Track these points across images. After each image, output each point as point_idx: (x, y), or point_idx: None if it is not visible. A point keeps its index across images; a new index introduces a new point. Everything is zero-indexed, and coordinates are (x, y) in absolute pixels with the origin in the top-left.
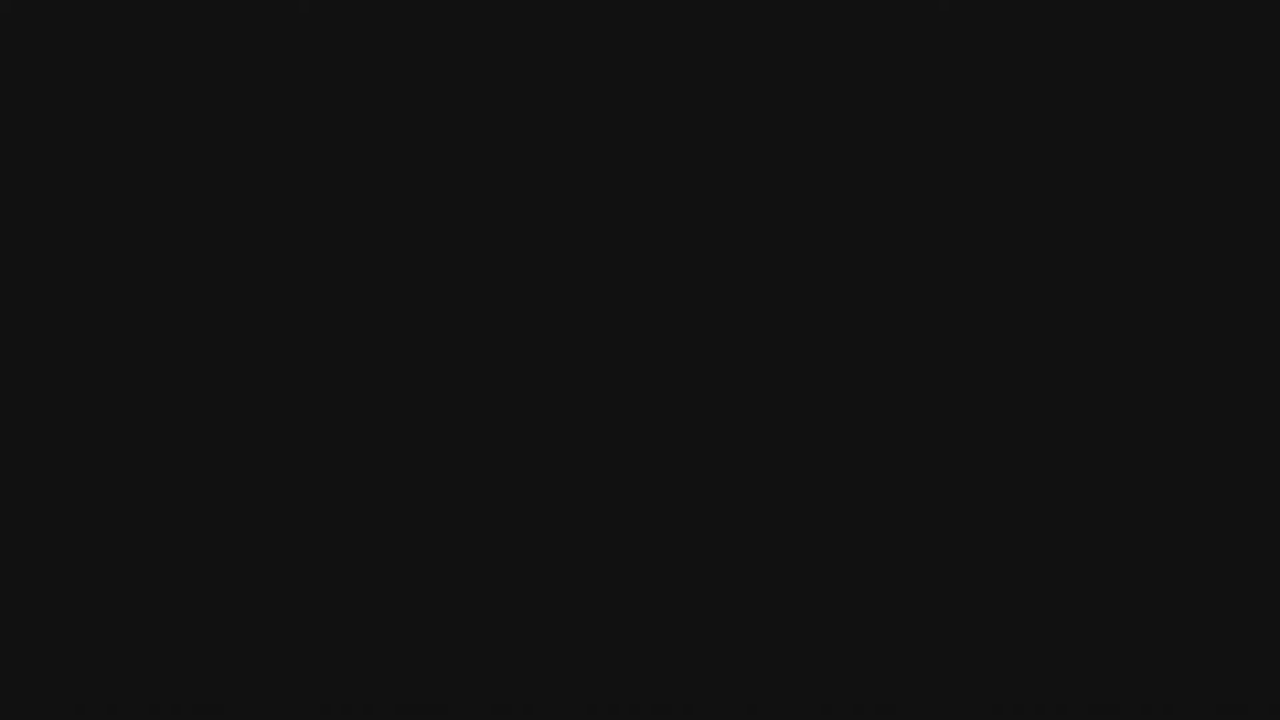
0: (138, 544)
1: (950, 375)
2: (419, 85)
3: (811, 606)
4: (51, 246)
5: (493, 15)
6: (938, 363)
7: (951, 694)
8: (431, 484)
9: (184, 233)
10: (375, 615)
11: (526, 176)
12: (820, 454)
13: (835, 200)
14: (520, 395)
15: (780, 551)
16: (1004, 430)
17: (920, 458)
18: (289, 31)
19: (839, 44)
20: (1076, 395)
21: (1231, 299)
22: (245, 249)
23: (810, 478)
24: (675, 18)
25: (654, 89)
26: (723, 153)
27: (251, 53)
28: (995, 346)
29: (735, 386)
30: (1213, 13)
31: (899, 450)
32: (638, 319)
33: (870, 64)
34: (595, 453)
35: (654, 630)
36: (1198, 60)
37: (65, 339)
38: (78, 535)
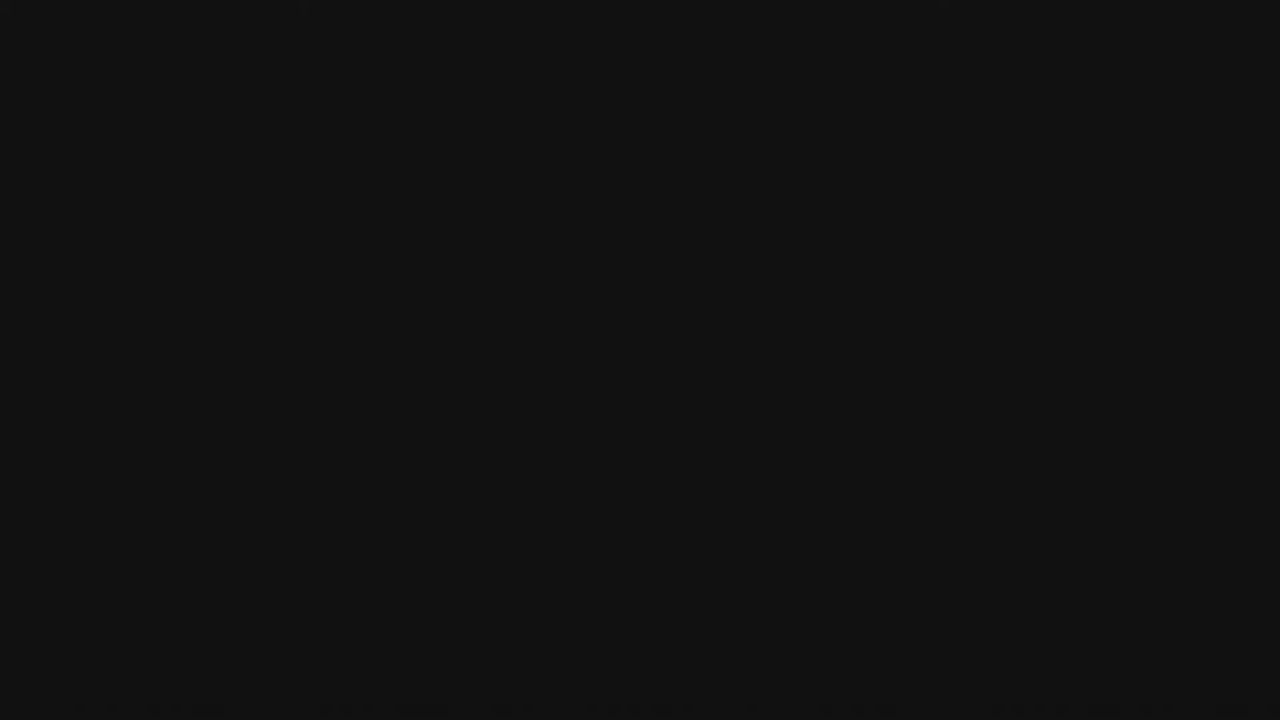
0: (138, 544)
1: (950, 375)
2: (419, 85)
3: (812, 606)
4: (51, 246)
5: (493, 15)
6: (938, 363)
7: (951, 694)
8: (432, 484)
9: (184, 233)
10: (375, 615)
11: (526, 177)
12: (820, 454)
13: (835, 200)
14: (520, 395)
15: (780, 551)
16: (1004, 430)
17: (920, 458)
18: (289, 31)
19: (839, 44)
20: (1077, 395)
21: (1231, 299)
22: (245, 249)
23: (810, 478)
24: (675, 18)
25: (654, 89)
26: (723, 153)
27: (251, 53)
28: (995, 346)
29: (735, 386)
30: (1213, 13)
31: (899, 450)
32: (638, 319)
33: (870, 64)
34: (595, 453)
35: (654, 630)
36: (1198, 60)
37: (65, 339)
38: (78, 535)
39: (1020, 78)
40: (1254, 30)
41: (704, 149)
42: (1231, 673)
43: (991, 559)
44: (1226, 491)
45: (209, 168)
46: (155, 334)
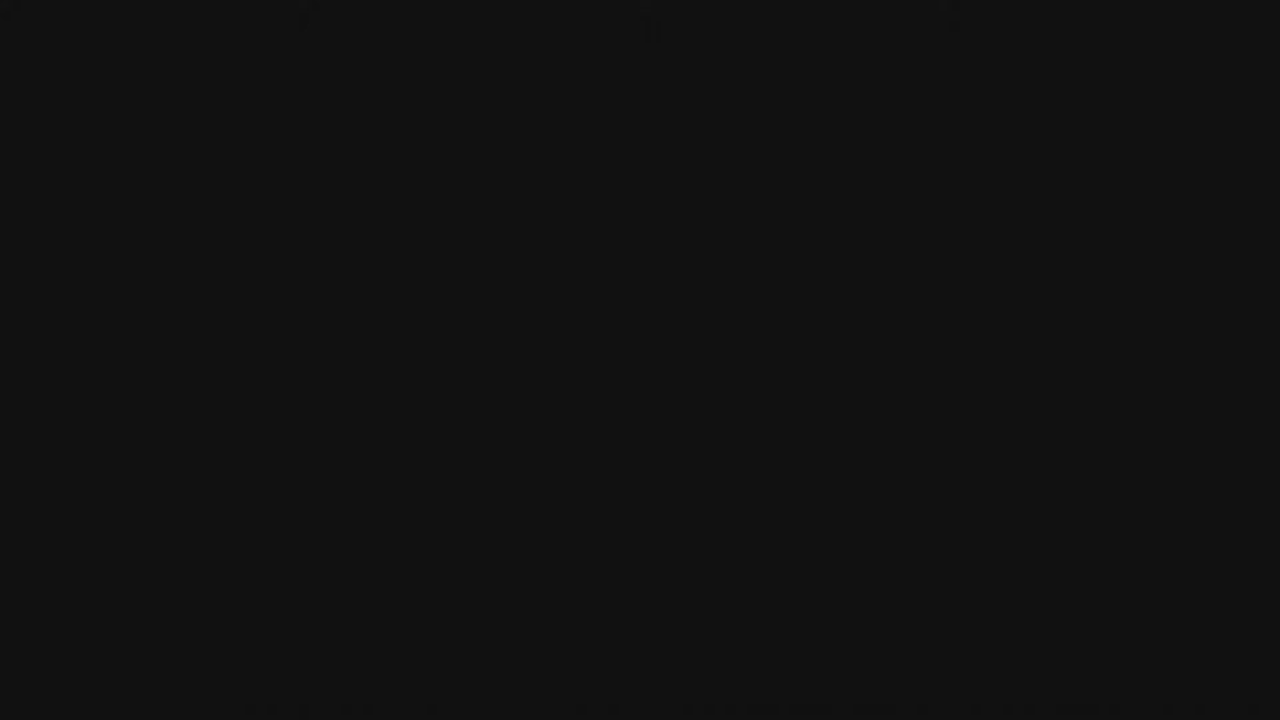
0: (138, 544)
1: (950, 375)
2: (419, 85)
3: (812, 606)
4: (52, 246)
5: (493, 15)
6: (938, 363)
7: (951, 694)
8: (432, 484)
9: (184, 233)
10: (375, 615)
11: (526, 177)
12: (820, 454)
13: (835, 200)
14: (520, 395)
15: (780, 551)
16: (1004, 430)
17: (920, 458)
18: (289, 31)
19: (839, 44)
20: (1077, 395)
21: (1231, 299)
22: (245, 249)
23: (810, 478)
24: (675, 18)
25: (654, 89)
26: (723, 153)
27: (251, 53)
28: (995, 346)
29: (735, 387)
30: (1213, 13)
31: (899, 450)
32: (638, 319)
33: (870, 64)
34: (595, 453)
35: (654, 630)
36: (1198, 60)
37: (65, 339)
38: (78, 535)
39: (1020, 78)
40: (1254, 30)
41: (704, 149)
42: (1231, 673)
43: (992, 559)
44: (1227, 491)
45: (209, 167)
46: (155, 334)
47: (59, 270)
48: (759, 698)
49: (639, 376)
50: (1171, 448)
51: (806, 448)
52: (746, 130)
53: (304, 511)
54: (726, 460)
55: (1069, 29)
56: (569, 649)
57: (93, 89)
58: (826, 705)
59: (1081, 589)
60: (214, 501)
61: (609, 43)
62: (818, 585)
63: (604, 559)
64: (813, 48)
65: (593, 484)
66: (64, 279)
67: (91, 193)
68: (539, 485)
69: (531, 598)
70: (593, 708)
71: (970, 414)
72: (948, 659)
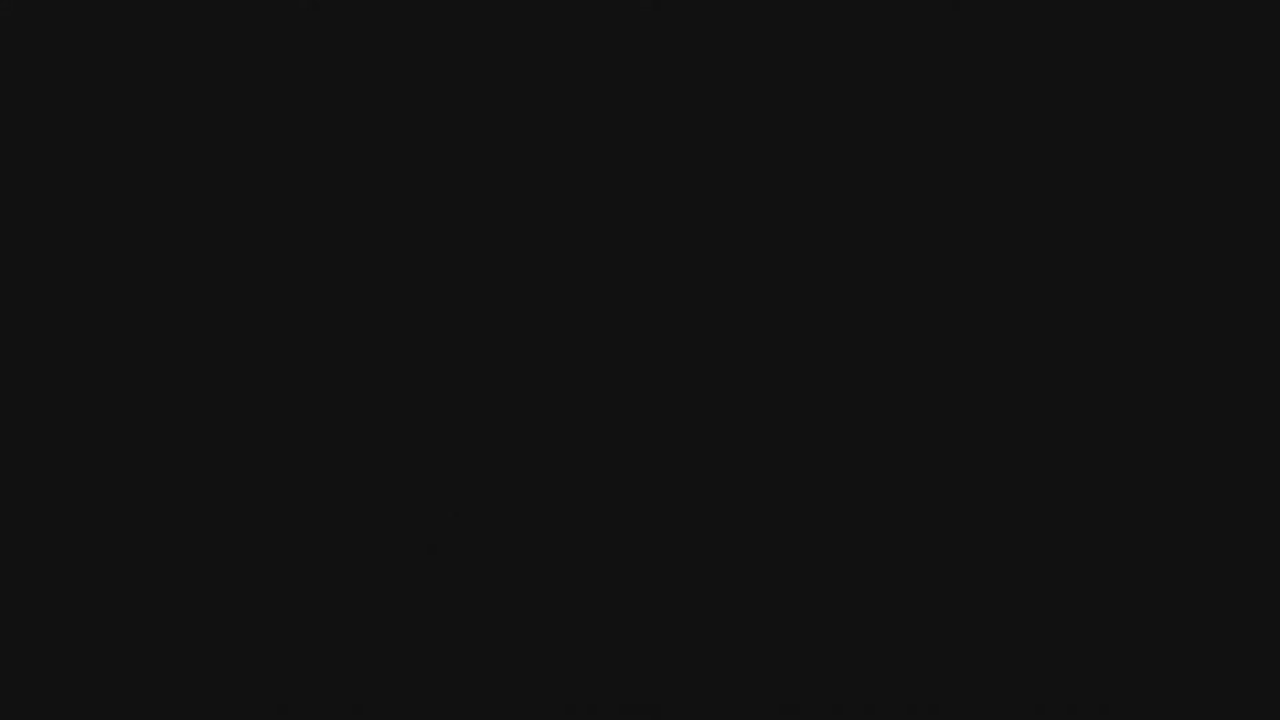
0: (138, 544)
1: (950, 375)
2: (419, 85)
3: (811, 606)
4: (51, 246)
5: (492, 15)
6: (938, 363)
7: (951, 694)
8: (432, 484)
9: (184, 233)
10: (375, 615)
11: (526, 177)
12: (820, 454)
13: (835, 200)
14: (520, 395)
15: (780, 552)
16: (1004, 430)
17: (920, 458)
18: (289, 32)
19: (839, 44)
20: (1077, 395)
21: (1231, 299)
22: (245, 249)
23: (810, 478)
24: (676, 18)
25: (654, 89)
26: (723, 153)
27: (251, 53)
28: (995, 346)
29: (735, 387)
30: (1213, 13)
31: (899, 450)
32: (638, 319)
33: (871, 64)
34: (595, 453)
35: (654, 630)
36: (1198, 60)
37: (65, 339)
38: (78, 535)
39: (1020, 78)
40: (1254, 30)
41: (704, 149)
42: (1231, 673)
43: (992, 559)
44: (1227, 491)
45: (209, 167)
46: (156, 334)
47: (59, 270)
48: (759, 698)
49: (639, 376)
50: (1171, 447)
51: (806, 447)
52: (746, 130)
53: (304, 511)
54: (727, 460)
55: (1069, 29)
56: (569, 649)
57: (93, 89)
58: (827, 705)
59: (1081, 589)
60: (214, 501)
61: (609, 43)
62: (818, 585)
63: (604, 559)
64: (813, 47)
65: (593, 484)
66: (64, 279)
67: (91, 193)
68: (539, 485)
69: (531, 598)
70: (593, 707)
71: (970, 413)
72: (948, 659)
